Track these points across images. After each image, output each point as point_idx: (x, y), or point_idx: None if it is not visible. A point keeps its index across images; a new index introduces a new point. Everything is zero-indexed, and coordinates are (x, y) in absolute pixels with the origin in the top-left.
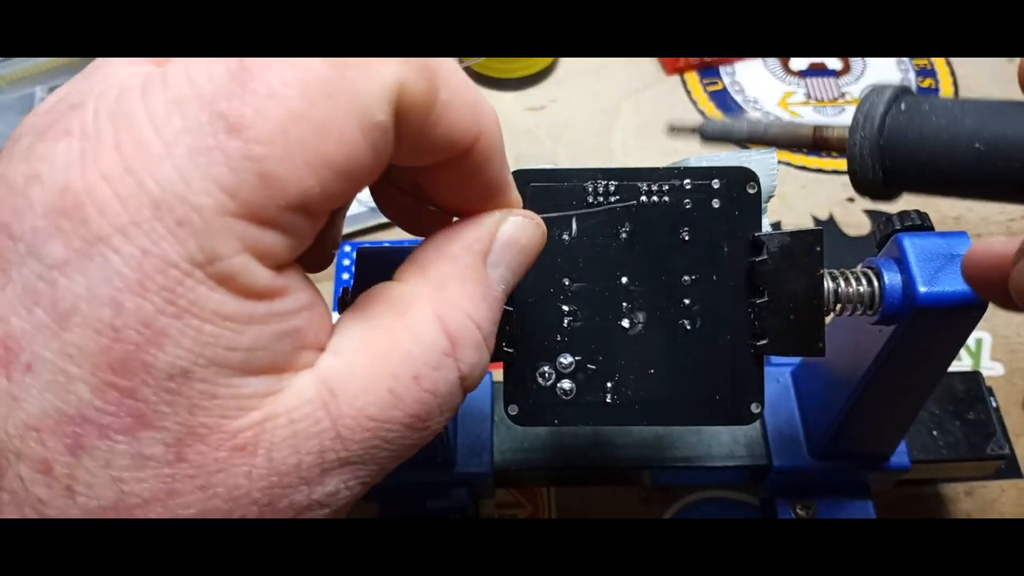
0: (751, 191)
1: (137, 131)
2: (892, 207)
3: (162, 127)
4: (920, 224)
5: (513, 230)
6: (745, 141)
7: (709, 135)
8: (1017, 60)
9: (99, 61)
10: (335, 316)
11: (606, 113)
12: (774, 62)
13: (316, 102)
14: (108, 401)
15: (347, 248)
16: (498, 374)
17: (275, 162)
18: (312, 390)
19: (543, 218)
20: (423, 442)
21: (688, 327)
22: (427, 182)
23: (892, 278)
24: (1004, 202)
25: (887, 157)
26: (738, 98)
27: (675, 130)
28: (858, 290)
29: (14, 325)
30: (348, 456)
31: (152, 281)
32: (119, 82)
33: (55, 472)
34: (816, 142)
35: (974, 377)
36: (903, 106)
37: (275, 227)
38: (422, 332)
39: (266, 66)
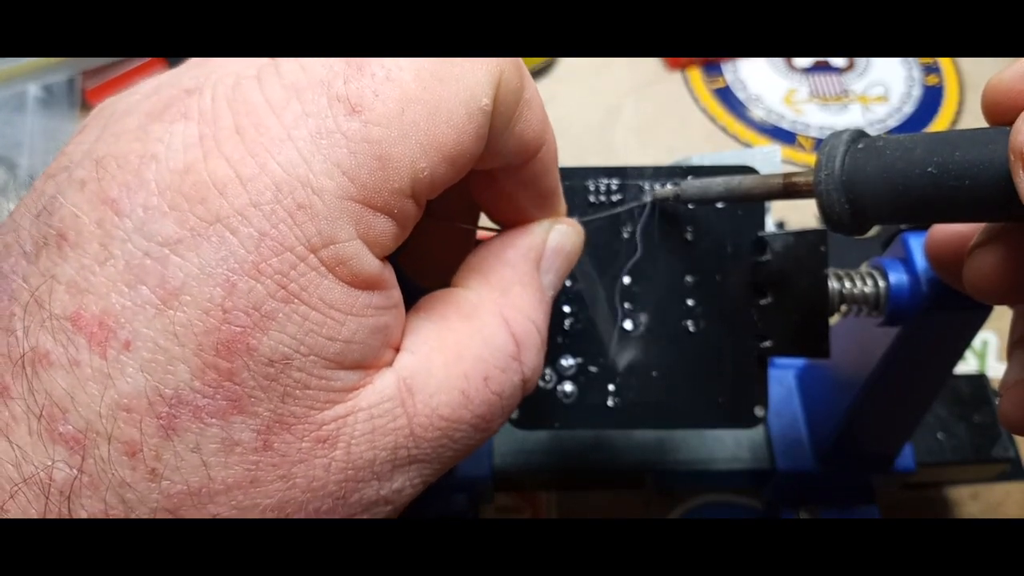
0: None
1: (257, 116)
2: None
3: (281, 112)
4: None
5: (560, 238)
6: (723, 199)
7: (687, 197)
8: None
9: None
10: None
11: (608, 110)
12: (778, 59)
13: (429, 85)
14: (207, 383)
15: None
16: None
17: (391, 144)
18: (392, 388)
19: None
20: (482, 443)
21: (691, 329)
22: (487, 190)
23: (898, 278)
24: (960, 221)
25: (850, 190)
26: (741, 95)
27: (658, 199)
28: (863, 290)
29: (113, 302)
30: (418, 454)
31: (267, 264)
32: (235, 70)
33: (142, 454)
34: (786, 188)
35: (979, 379)
36: (860, 145)
37: (387, 212)
38: (491, 335)
39: (376, 58)
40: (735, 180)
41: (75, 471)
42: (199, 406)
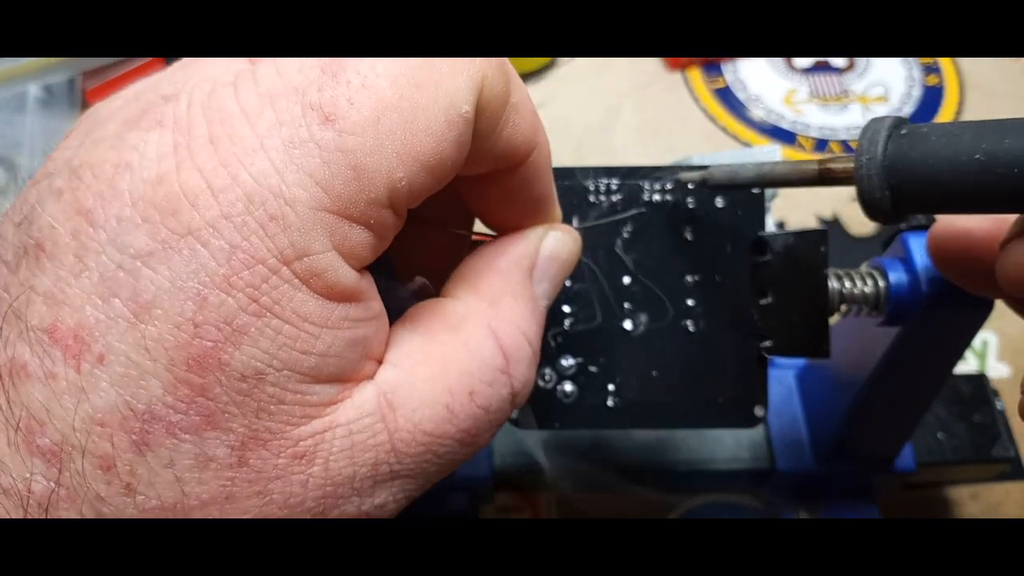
0: (755, 190)
1: (231, 125)
2: None
3: (255, 120)
4: (926, 224)
5: (555, 245)
6: (753, 184)
7: (715, 182)
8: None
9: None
10: None
11: (608, 110)
12: (778, 59)
13: (406, 92)
14: (179, 398)
15: None
16: None
17: (366, 153)
18: (372, 402)
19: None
20: (468, 458)
21: (691, 328)
22: (477, 195)
23: (898, 278)
24: (1007, 212)
25: (893, 176)
26: (741, 96)
27: (682, 182)
28: (863, 290)
29: (88, 315)
30: (400, 469)
31: (238, 277)
32: (212, 76)
33: (116, 469)
34: (822, 175)
35: (979, 379)
36: (903, 131)
37: (363, 223)
38: (478, 348)
39: (356, 59)
40: (767, 165)
41: (52, 484)
42: (172, 421)
